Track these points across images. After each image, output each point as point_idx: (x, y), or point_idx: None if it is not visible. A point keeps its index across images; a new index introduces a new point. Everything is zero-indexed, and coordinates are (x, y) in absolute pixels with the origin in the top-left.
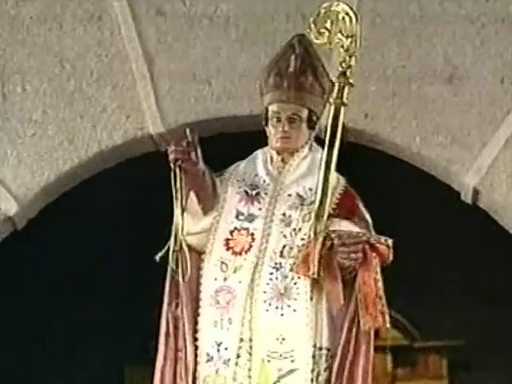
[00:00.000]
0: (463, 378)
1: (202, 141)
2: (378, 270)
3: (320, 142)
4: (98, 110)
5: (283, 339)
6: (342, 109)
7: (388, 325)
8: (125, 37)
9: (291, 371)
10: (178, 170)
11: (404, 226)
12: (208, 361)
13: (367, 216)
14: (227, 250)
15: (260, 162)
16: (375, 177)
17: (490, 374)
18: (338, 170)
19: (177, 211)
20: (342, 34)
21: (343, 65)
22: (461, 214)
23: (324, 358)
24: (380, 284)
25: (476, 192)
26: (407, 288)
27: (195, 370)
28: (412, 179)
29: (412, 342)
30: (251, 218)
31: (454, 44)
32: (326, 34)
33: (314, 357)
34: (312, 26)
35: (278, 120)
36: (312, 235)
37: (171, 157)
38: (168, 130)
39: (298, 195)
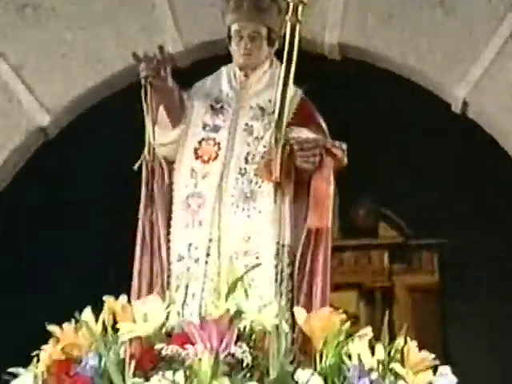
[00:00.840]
0: (452, 273)
1: (219, 58)
2: (331, 173)
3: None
4: (122, 31)
5: (249, 238)
6: (298, 26)
7: (329, 225)
8: None
9: (256, 266)
10: (148, 86)
11: (401, 135)
12: (179, 260)
13: (323, 124)
14: (196, 158)
15: (224, 77)
16: (376, 91)
17: (477, 270)
18: (344, 86)
19: (148, 124)
20: None
21: None
22: (451, 123)
23: (286, 254)
24: (331, 186)
25: (465, 103)
26: (404, 191)
27: (169, 269)
28: (408, 93)
29: (407, 240)
30: (217, 128)
31: None
32: None
33: (277, 253)
34: None
35: (240, 38)
36: (273, 142)
37: (142, 74)
38: (186, 50)
39: (259, 106)
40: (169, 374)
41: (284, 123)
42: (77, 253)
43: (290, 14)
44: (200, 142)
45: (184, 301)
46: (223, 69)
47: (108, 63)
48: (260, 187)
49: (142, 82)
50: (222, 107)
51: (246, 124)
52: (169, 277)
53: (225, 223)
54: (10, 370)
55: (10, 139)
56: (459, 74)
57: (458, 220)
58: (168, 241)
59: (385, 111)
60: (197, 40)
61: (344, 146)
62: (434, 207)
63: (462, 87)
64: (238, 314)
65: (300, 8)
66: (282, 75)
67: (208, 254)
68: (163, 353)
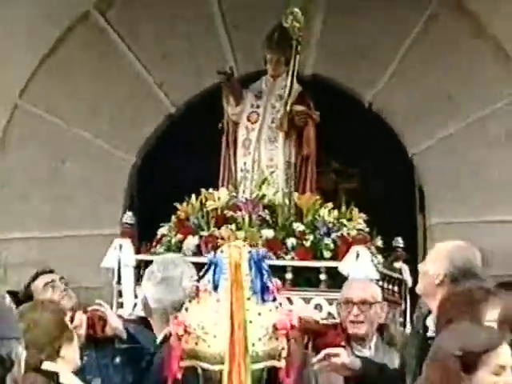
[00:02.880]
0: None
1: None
2: (312, 126)
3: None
4: (205, 64)
5: (272, 159)
6: (297, 56)
7: (313, 153)
8: None
9: (274, 172)
10: (224, 86)
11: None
12: (241, 171)
13: (311, 102)
14: (248, 121)
15: (263, 81)
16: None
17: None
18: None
19: (225, 104)
20: (297, 22)
21: (298, 38)
22: (364, 116)
23: (292, 166)
24: (312, 133)
25: (370, 104)
26: (346, 147)
27: (236, 176)
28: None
29: (347, 168)
30: (258, 107)
31: None
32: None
33: (288, 167)
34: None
35: (271, 61)
36: (283, 112)
37: (221, 80)
38: (240, 76)
39: (279, 95)
40: (228, 226)
41: (289, 102)
42: (195, 165)
43: (294, 49)
44: (250, 113)
45: (243, 190)
46: (263, 77)
47: (202, 80)
48: (277, 134)
49: (222, 85)
50: (261, 96)
51: (272, 104)
52: (236, 179)
53: (261, 152)
54: (161, 224)
55: (152, 121)
56: (368, 85)
57: (370, 157)
58: (235, 162)
59: (335, 107)
60: (246, 70)
61: (318, 113)
62: (357, 153)
63: (369, 93)
64: (263, 196)
65: (299, 46)
66: (289, 78)
67: (253, 168)
68: (227, 215)
